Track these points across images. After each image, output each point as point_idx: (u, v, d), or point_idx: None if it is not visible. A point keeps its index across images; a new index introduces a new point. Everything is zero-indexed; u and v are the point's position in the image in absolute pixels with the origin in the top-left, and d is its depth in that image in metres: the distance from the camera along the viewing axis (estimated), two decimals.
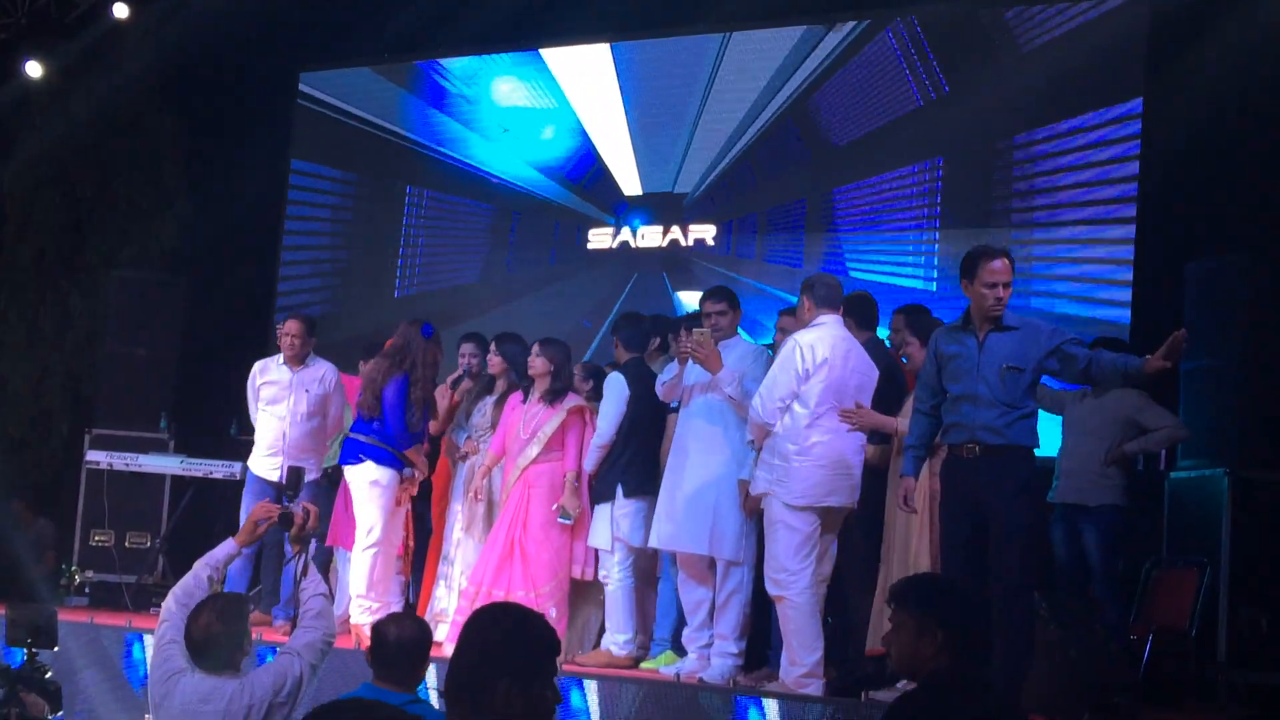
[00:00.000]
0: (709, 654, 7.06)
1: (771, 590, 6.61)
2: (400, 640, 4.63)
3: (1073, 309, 9.02)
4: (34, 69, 11.46)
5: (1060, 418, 7.64)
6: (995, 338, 6.07)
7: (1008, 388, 6.00)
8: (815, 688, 6.53)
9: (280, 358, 8.65)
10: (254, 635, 5.03)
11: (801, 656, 6.56)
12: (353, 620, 7.85)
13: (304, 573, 4.98)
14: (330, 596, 5.10)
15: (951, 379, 6.13)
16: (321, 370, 8.65)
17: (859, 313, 7.30)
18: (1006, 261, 6.08)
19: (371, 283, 11.95)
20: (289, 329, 8.60)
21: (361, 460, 7.76)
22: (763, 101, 10.68)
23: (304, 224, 12.32)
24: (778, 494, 6.57)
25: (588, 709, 6.52)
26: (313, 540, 5.24)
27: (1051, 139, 9.40)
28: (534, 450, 7.66)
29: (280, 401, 8.57)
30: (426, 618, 7.97)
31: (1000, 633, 5.29)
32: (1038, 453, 6.17)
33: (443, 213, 11.91)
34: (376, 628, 4.75)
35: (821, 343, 6.61)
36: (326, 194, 12.26)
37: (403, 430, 7.73)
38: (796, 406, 6.59)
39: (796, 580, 6.52)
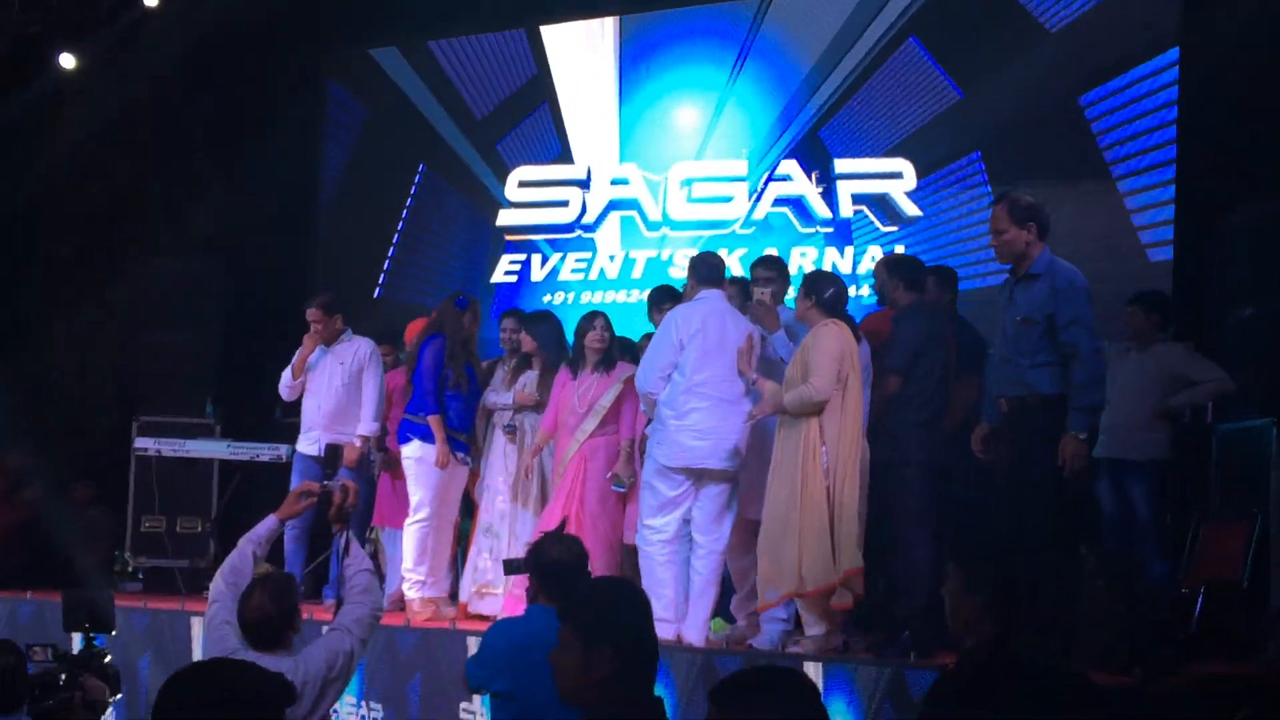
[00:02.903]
0: (759, 621, 7.07)
1: (632, 539, 7.13)
2: (560, 559, 4.69)
3: (1113, 262, 8.93)
4: (66, 61, 11.52)
5: None
6: (1019, 290, 6.11)
7: (1020, 341, 6.06)
8: (668, 631, 6.79)
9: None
10: (304, 615, 5.09)
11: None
12: (407, 595, 7.97)
13: (346, 550, 5.03)
14: (375, 572, 5.14)
15: (998, 332, 6.21)
16: (357, 345, 8.82)
17: (905, 275, 7.32)
18: (999, 208, 6.19)
19: (413, 263, 11.91)
20: (309, 316, 8.81)
21: (409, 439, 8.01)
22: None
23: (336, 206, 12.30)
24: (654, 455, 6.99)
25: None
26: (353, 517, 5.30)
27: (1095, 96, 9.19)
28: (591, 424, 7.72)
29: (317, 378, 8.77)
30: (469, 589, 8.07)
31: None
32: None
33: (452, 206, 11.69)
34: (538, 546, 4.80)
35: (696, 314, 7.08)
36: (360, 174, 12.20)
37: (433, 389, 7.95)
38: (676, 375, 6.96)
39: (655, 535, 7.03)
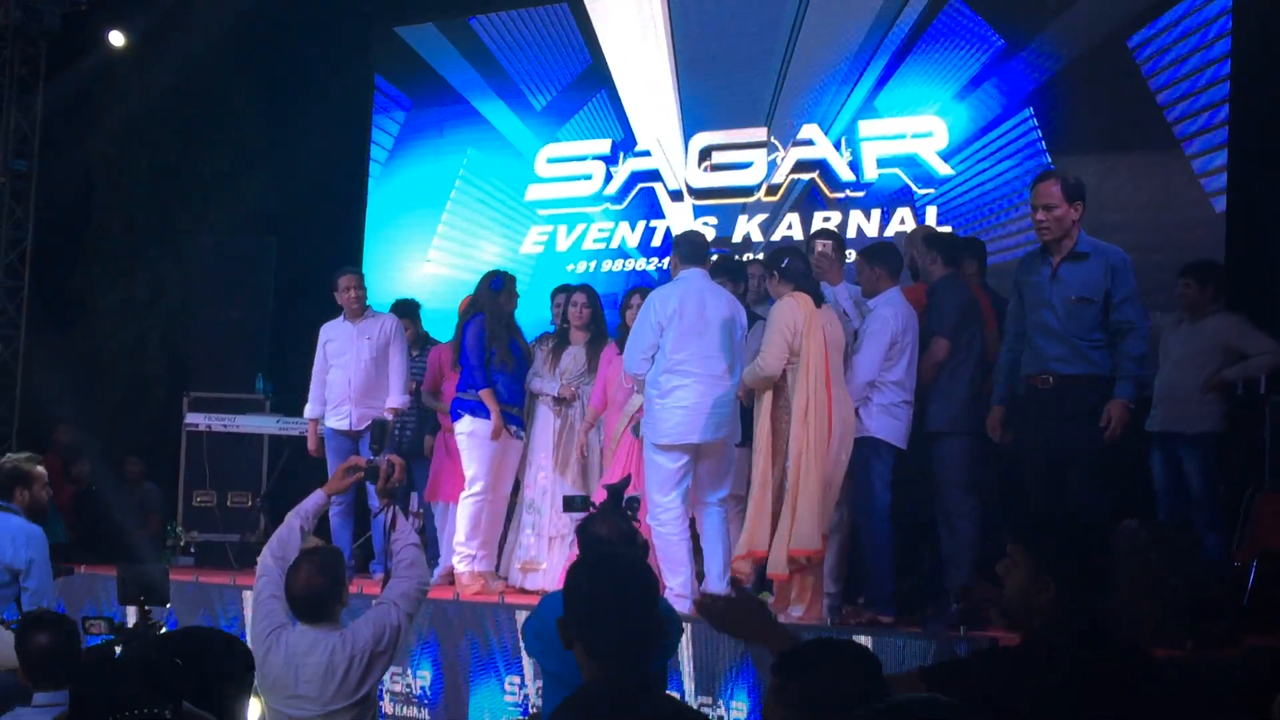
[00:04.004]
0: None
1: (646, 520, 7.09)
2: (606, 538, 4.73)
3: (1165, 232, 8.82)
4: (116, 38, 11.60)
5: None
6: (1066, 268, 6.07)
7: (1076, 320, 6.02)
8: (684, 605, 6.80)
9: (341, 316, 8.87)
10: (353, 588, 5.11)
11: (669, 579, 7.02)
12: (457, 568, 8.01)
13: (393, 525, 5.05)
14: (421, 546, 5.16)
15: (1029, 308, 6.16)
16: (381, 320, 8.87)
17: (943, 249, 7.27)
18: (1050, 184, 6.08)
19: (457, 240, 11.90)
20: (350, 282, 8.80)
21: (460, 416, 8.11)
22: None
23: (388, 178, 12.30)
24: (647, 435, 7.11)
25: (679, 652, 6.50)
26: (399, 491, 5.32)
27: (1144, 36, 8.97)
28: (639, 399, 7.72)
29: (344, 353, 8.78)
30: (514, 565, 8.09)
31: None
32: None
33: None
34: (583, 527, 4.84)
35: (673, 295, 7.15)
36: (411, 148, 12.18)
37: (480, 364, 8.03)
38: (659, 355, 7.08)
39: (664, 511, 7.08)
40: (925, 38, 9.68)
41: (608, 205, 10.94)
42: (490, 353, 8.06)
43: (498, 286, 8.26)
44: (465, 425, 8.09)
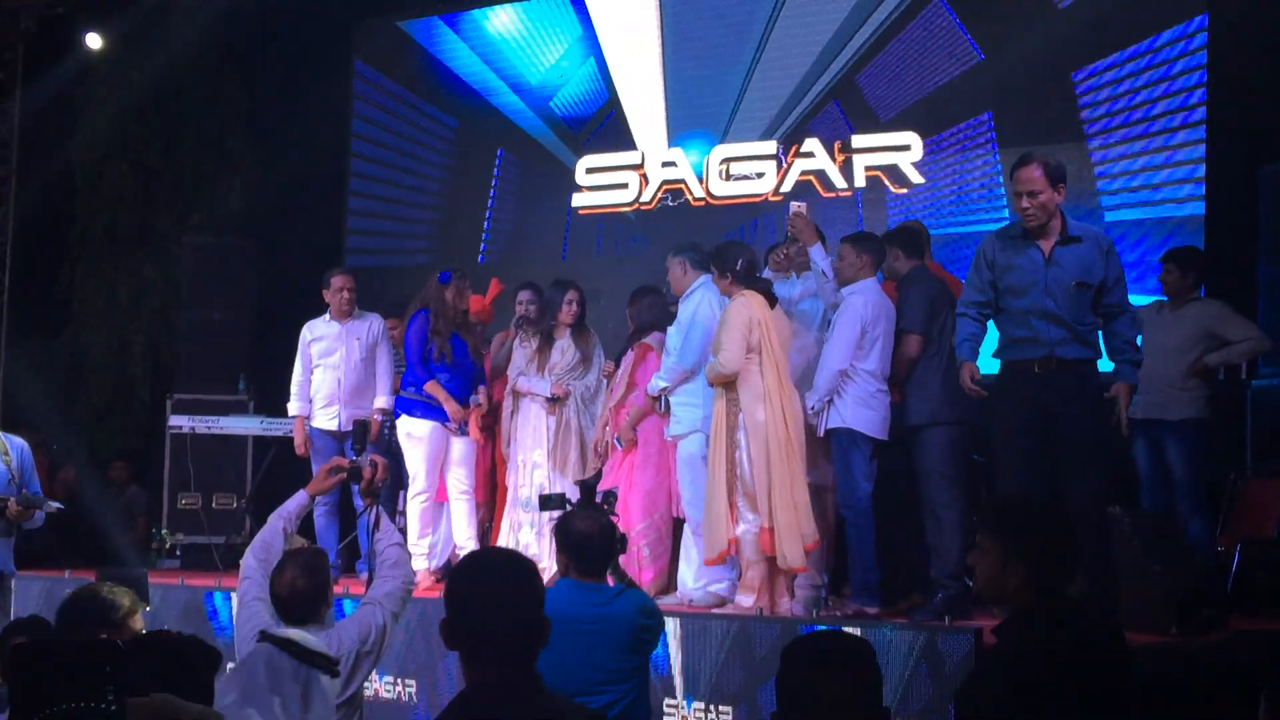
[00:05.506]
0: (794, 587, 7.08)
1: (685, 511, 7.31)
2: (587, 533, 4.71)
3: (1146, 216, 8.86)
4: (93, 41, 11.56)
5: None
6: (1061, 252, 6.04)
7: (1076, 304, 6.01)
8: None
9: (326, 315, 8.85)
10: (339, 589, 5.09)
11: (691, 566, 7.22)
12: (415, 567, 8.00)
13: (376, 525, 5.03)
14: (405, 546, 5.15)
15: (1015, 293, 6.13)
16: (369, 320, 8.86)
17: (903, 242, 7.27)
18: (1032, 170, 6.06)
19: (441, 238, 11.88)
20: (346, 283, 8.79)
21: (400, 415, 8.15)
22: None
23: (367, 180, 12.28)
24: (706, 431, 7.05)
25: (666, 649, 6.51)
26: (383, 492, 5.30)
27: (1121, 63, 9.11)
28: (621, 393, 7.81)
29: (333, 353, 8.77)
30: None
31: (1087, 547, 5.37)
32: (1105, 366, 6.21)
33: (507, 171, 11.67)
34: (561, 524, 4.83)
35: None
36: (390, 148, 12.17)
37: (419, 362, 8.04)
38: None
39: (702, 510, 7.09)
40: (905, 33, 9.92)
41: (640, 206, 10.98)
42: (429, 347, 8.05)
43: (444, 279, 8.17)
44: (402, 424, 8.12)
